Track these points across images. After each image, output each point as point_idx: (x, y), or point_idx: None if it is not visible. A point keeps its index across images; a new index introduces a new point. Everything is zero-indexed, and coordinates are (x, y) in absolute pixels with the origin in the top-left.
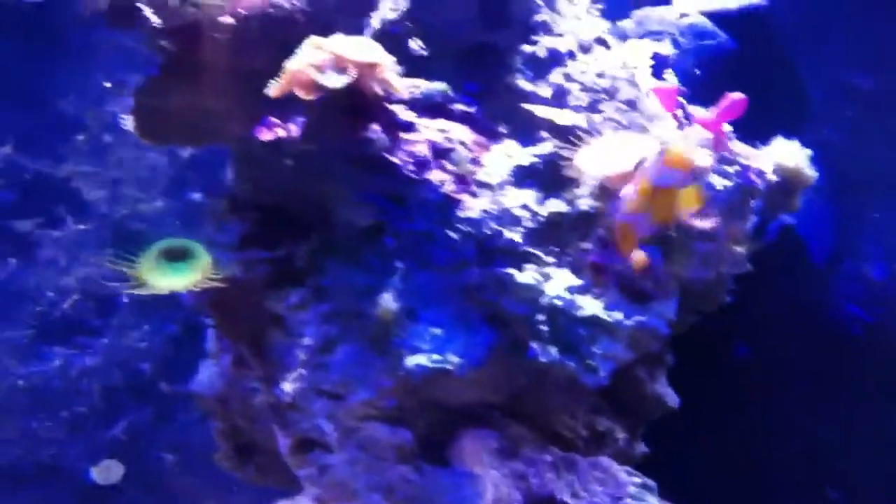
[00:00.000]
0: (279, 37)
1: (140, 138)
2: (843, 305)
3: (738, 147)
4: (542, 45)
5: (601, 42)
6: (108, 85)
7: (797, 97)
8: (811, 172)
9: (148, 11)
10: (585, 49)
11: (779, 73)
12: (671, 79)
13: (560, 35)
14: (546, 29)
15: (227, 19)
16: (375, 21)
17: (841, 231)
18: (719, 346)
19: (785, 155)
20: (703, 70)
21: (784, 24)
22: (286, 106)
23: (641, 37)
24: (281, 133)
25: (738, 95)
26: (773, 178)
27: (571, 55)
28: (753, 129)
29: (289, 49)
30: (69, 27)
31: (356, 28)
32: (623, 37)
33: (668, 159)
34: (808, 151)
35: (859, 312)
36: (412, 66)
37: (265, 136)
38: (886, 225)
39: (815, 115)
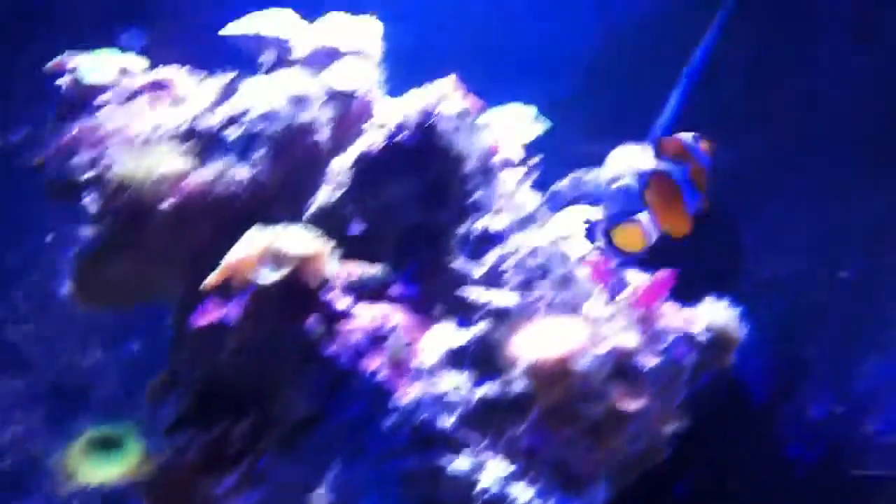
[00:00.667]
0: (221, 217)
1: (80, 303)
2: (785, 446)
3: (667, 315)
4: (479, 225)
5: (535, 218)
6: (49, 238)
7: (731, 250)
8: (739, 332)
9: (88, 195)
10: (521, 226)
11: (711, 229)
12: (604, 245)
13: (496, 213)
14: (483, 208)
15: (168, 201)
16: (316, 202)
17: (779, 372)
18: (658, 488)
19: (715, 315)
20: None
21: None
22: (225, 289)
23: (575, 200)
24: (218, 318)
25: (665, 273)
26: (704, 338)
27: (507, 233)
28: (688, 287)
29: (231, 227)
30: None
31: (298, 208)
32: (558, 199)
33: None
34: (738, 310)
35: (802, 453)
36: (352, 248)
37: (202, 320)
38: (824, 365)
39: (748, 263)
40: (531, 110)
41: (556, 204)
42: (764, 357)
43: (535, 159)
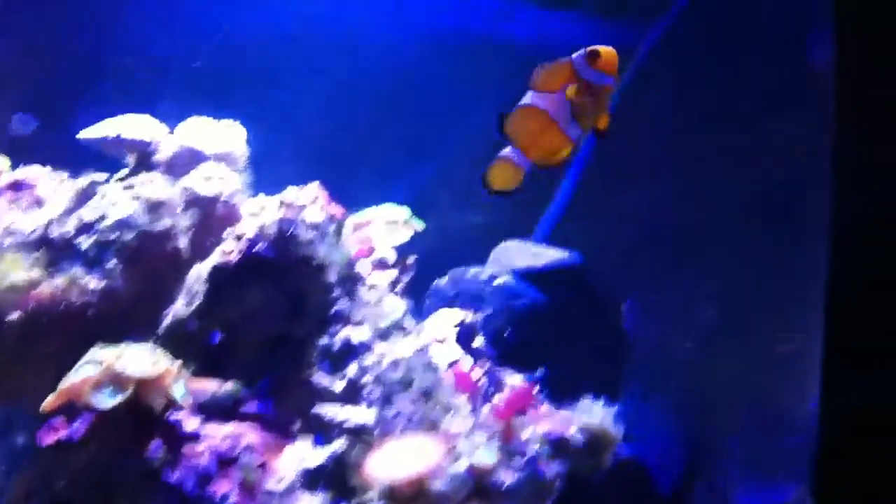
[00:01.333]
0: (72, 327)
1: None
2: None
3: (534, 423)
4: (339, 337)
5: (399, 327)
6: None
7: (618, 339)
8: (616, 432)
9: None
10: (383, 336)
11: (591, 325)
12: (480, 343)
13: (358, 324)
14: (344, 319)
15: (15, 313)
16: (172, 313)
17: (693, 454)
18: None
19: (590, 416)
20: (513, 329)
21: (591, 278)
22: (72, 408)
23: (454, 296)
24: (62, 437)
25: (527, 383)
26: (579, 439)
27: (368, 345)
28: (564, 386)
29: (83, 337)
30: None
31: (155, 317)
32: (438, 297)
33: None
34: (614, 409)
35: None
36: (206, 362)
37: (47, 439)
38: (739, 445)
39: (660, 344)
40: (405, 210)
41: (437, 301)
42: (673, 441)
43: (410, 259)
